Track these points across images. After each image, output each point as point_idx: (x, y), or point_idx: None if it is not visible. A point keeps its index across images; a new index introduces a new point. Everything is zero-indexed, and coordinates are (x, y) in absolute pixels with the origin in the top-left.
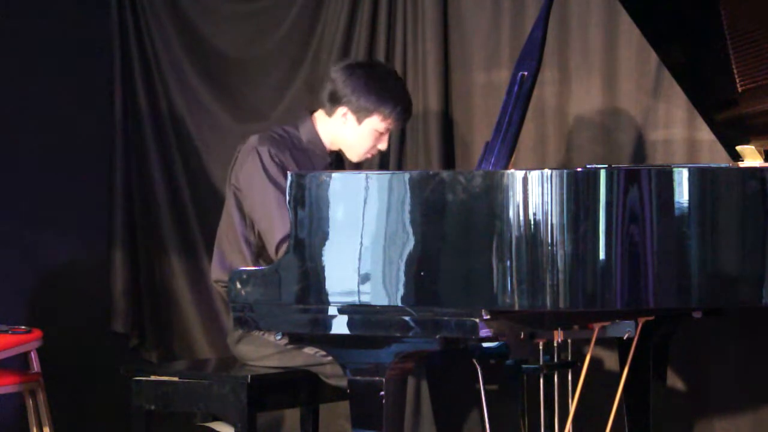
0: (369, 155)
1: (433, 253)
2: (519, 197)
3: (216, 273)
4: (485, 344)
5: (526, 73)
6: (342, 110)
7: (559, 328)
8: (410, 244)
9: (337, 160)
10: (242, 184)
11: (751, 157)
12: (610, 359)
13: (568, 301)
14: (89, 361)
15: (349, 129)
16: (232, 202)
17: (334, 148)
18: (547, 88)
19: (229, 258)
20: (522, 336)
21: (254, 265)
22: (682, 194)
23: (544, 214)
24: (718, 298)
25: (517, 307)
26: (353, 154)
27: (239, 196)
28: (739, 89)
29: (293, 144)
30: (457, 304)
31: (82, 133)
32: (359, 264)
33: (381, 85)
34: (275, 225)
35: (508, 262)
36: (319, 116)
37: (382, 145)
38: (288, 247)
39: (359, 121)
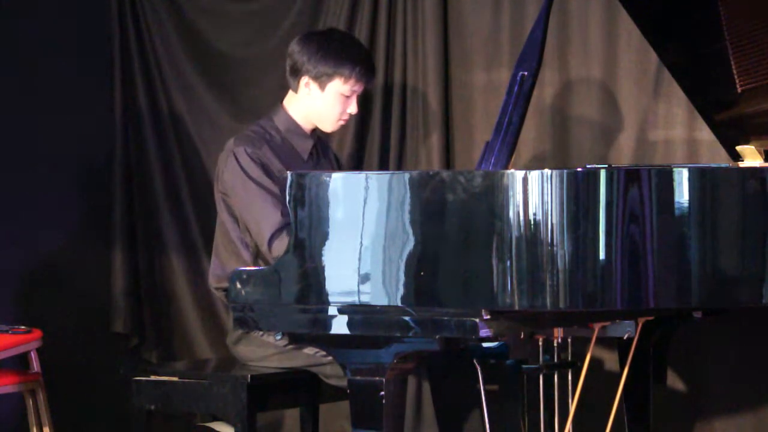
0: (342, 122)
1: (433, 253)
2: (519, 197)
3: (215, 282)
4: (485, 344)
5: (526, 73)
6: (304, 80)
7: (559, 328)
8: (410, 244)
9: (323, 144)
10: (227, 189)
11: (751, 157)
12: (610, 359)
13: (568, 301)
14: (89, 361)
15: (314, 98)
16: (222, 207)
17: (312, 126)
18: (547, 88)
19: (228, 265)
20: (522, 336)
21: (254, 266)
22: (682, 194)
23: (544, 214)
24: (718, 298)
25: (517, 307)
26: (326, 124)
27: (227, 201)
28: (739, 89)
29: (270, 136)
30: (457, 304)
31: (82, 132)
32: (359, 264)
33: (337, 48)
34: (262, 222)
35: (508, 262)
36: (288, 99)
37: (351, 109)
38: (288, 246)
39: (322, 87)
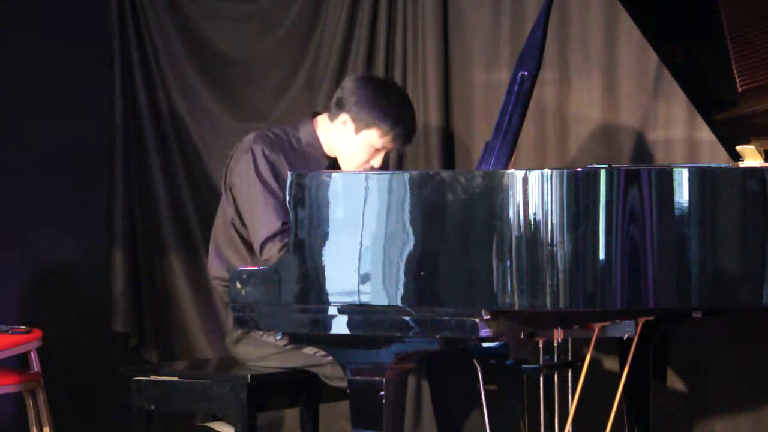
0: (362, 170)
1: (433, 253)
2: (519, 197)
3: (213, 269)
4: (485, 344)
5: (526, 73)
6: (343, 117)
7: (559, 328)
8: (410, 244)
9: (334, 165)
10: (235, 181)
11: (751, 157)
12: (610, 359)
13: (568, 301)
14: (89, 361)
15: (346, 138)
16: (229, 199)
17: (332, 154)
18: (547, 88)
19: (226, 253)
20: (522, 336)
21: (250, 260)
22: (682, 194)
23: (544, 214)
24: (718, 298)
25: (517, 307)
26: (346, 165)
27: (234, 192)
28: (739, 89)
29: (291, 144)
30: (457, 304)
31: (82, 132)
32: (359, 264)
33: (387, 102)
34: (259, 225)
35: (508, 262)
36: (322, 120)
37: (375, 162)
38: (288, 246)
39: (357, 131)
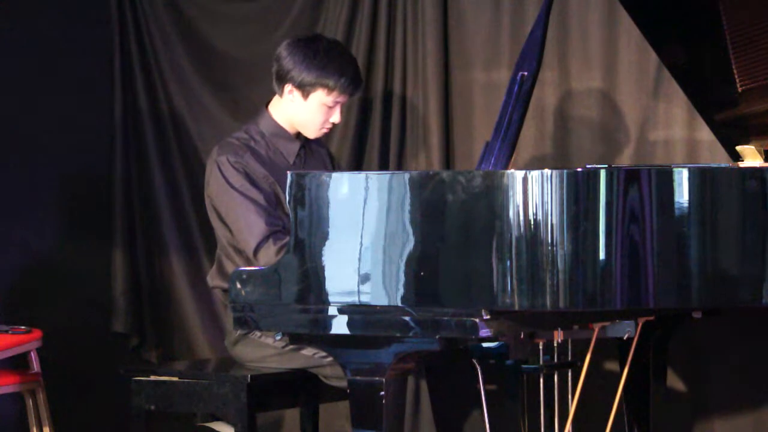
0: (325, 130)
1: (433, 253)
2: (519, 197)
3: (214, 280)
4: (485, 344)
5: (526, 73)
6: (288, 87)
7: (559, 328)
8: (410, 244)
9: (311, 145)
10: (213, 196)
11: (751, 157)
12: (610, 359)
13: (568, 301)
14: (89, 361)
15: (297, 105)
16: (213, 214)
17: (295, 130)
18: (547, 88)
19: (226, 266)
20: (522, 336)
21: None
22: (682, 194)
23: (544, 214)
24: (718, 298)
25: (517, 307)
26: (308, 131)
27: (215, 206)
28: (739, 89)
29: (255, 142)
30: (457, 304)
31: (82, 132)
32: (359, 264)
33: (322, 58)
34: (246, 232)
35: (508, 262)
36: (273, 103)
37: (335, 118)
38: (288, 246)
39: (305, 96)
